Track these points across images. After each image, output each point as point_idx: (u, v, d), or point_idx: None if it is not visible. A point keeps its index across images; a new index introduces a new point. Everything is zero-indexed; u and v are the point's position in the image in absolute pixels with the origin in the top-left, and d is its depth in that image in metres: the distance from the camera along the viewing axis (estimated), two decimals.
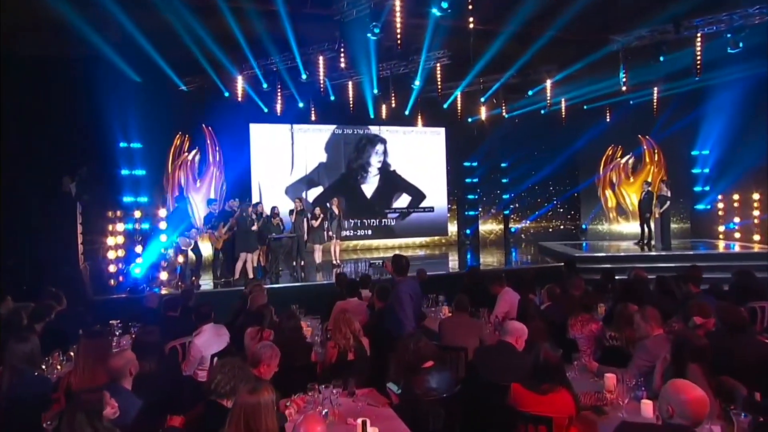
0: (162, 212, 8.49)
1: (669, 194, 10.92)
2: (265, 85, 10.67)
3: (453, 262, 12.23)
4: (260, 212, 9.53)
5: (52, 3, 6.86)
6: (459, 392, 3.34)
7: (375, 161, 14.08)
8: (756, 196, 11.75)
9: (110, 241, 7.97)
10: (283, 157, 13.06)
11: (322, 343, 4.54)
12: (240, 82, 10.49)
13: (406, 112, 13.09)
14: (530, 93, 12.05)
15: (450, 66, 10.80)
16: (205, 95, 10.77)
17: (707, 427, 2.51)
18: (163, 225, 8.39)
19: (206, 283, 8.89)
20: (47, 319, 4.54)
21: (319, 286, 8.36)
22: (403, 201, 14.28)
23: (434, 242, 14.66)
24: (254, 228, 8.50)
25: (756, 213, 11.76)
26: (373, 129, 13.99)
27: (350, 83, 11.55)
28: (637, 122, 13.70)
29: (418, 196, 14.42)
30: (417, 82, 11.11)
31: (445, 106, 12.80)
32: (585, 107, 13.18)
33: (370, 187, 14.03)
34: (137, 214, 8.47)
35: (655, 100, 12.46)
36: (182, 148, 11.45)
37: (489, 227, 15.27)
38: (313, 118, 12.62)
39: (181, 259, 8.57)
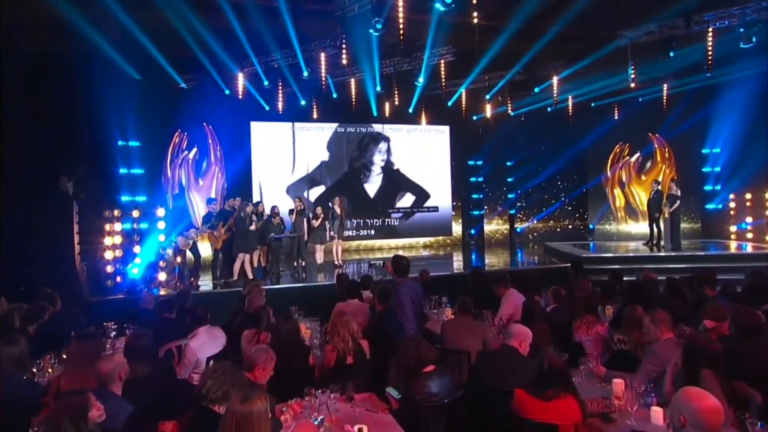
0: (160, 212, 8.45)
1: (679, 193, 10.80)
2: (266, 83, 10.62)
3: (457, 263, 12.15)
4: (261, 212, 9.50)
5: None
6: (461, 398, 3.27)
7: (378, 160, 14.01)
8: None
9: (107, 241, 7.94)
10: (285, 156, 13.02)
11: (321, 346, 4.48)
12: (240, 80, 10.45)
13: (410, 110, 13.00)
14: (536, 90, 11.91)
15: (454, 63, 10.71)
16: (205, 93, 10.73)
17: None
18: (161, 225, 8.35)
19: (205, 283, 8.86)
20: (40, 320, 4.50)
21: (321, 287, 8.31)
22: (406, 200, 14.21)
23: (438, 242, 14.58)
24: (252, 228, 8.44)
25: None
26: (376, 127, 13.92)
27: (353, 80, 11.48)
28: (646, 120, 13.56)
29: (422, 195, 14.34)
30: (421, 80, 11.05)
31: (450, 103, 12.71)
32: (592, 104, 13.08)
33: (373, 186, 13.96)
34: (135, 213, 8.44)
35: (664, 97, 12.34)
36: (181, 146, 11.42)
37: (494, 227, 15.18)
38: (315, 115, 12.56)
39: (179, 259, 8.53)
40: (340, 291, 6.04)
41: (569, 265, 8.00)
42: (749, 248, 11.38)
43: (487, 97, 12.40)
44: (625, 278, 6.45)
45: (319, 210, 10.07)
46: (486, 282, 6.02)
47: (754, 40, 8.62)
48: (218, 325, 4.93)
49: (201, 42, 9.00)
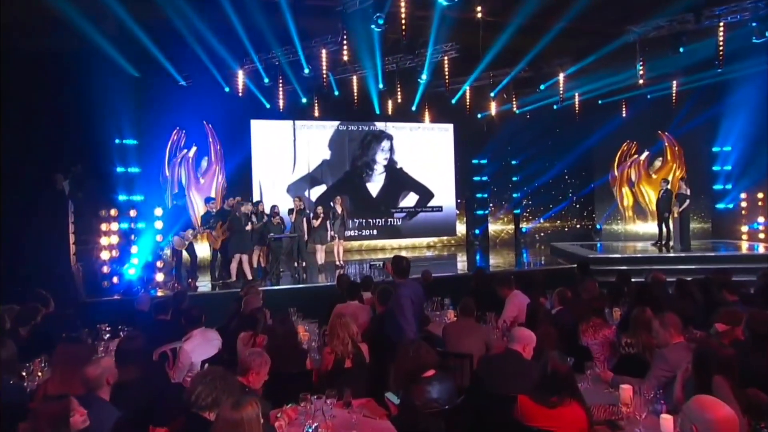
0: (158, 211, 8.41)
1: (689, 192, 10.69)
2: (266, 80, 10.60)
3: (461, 264, 12.06)
4: (260, 211, 9.45)
5: None
6: (462, 404, 3.19)
7: (381, 158, 13.95)
8: None
9: (104, 240, 7.91)
10: (285, 155, 12.97)
11: (319, 348, 4.41)
12: (240, 77, 10.42)
13: (413, 108, 12.96)
14: (542, 87, 11.86)
15: (458, 59, 10.66)
16: (205, 90, 10.69)
17: None
18: (159, 224, 8.31)
19: (204, 284, 8.82)
20: (33, 322, 4.46)
21: (320, 287, 8.25)
22: (410, 200, 14.14)
23: (442, 243, 14.50)
24: (248, 228, 8.39)
25: None
26: (379, 125, 13.85)
27: (354, 78, 11.44)
28: (655, 117, 13.44)
29: (425, 194, 14.26)
30: (424, 77, 10.99)
31: (454, 101, 12.65)
32: (600, 102, 12.98)
33: (375, 185, 13.90)
34: (132, 213, 8.41)
35: (673, 94, 12.23)
36: (179, 143, 11.38)
37: (499, 227, 15.09)
38: (316, 113, 12.52)
39: (175, 259, 8.49)
40: (340, 292, 5.97)
41: (575, 266, 7.91)
42: (761, 249, 11.23)
43: (492, 94, 12.32)
44: (633, 279, 6.38)
45: (319, 209, 10.01)
46: (489, 283, 5.94)
47: (766, 35, 8.49)
48: (216, 327, 4.90)
49: (200, 38, 8.98)
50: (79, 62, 8.45)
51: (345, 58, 9.23)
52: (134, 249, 8.31)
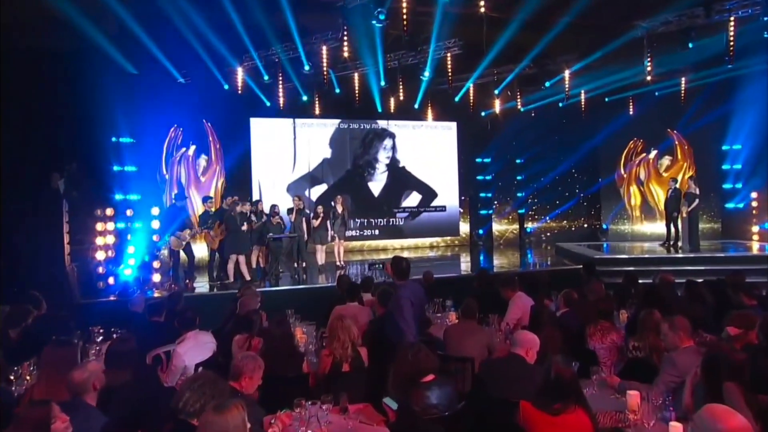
0: (155, 210, 8.37)
1: (698, 191, 10.58)
2: (266, 77, 10.55)
3: (465, 264, 11.99)
4: (260, 211, 9.40)
5: None
6: (462, 409, 3.12)
7: (383, 157, 13.88)
8: None
9: (99, 240, 7.87)
10: (285, 153, 12.92)
11: (317, 351, 4.35)
12: (240, 74, 10.37)
13: (416, 106, 12.90)
14: (547, 84, 11.74)
15: (461, 56, 10.59)
16: (203, 88, 10.65)
17: None
18: (155, 224, 8.27)
19: (201, 285, 8.77)
20: (23, 324, 4.41)
21: (319, 288, 8.20)
22: (412, 199, 14.07)
23: (445, 243, 14.43)
24: (245, 228, 8.34)
25: None
26: (381, 123, 13.79)
27: (356, 75, 11.38)
28: (663, 115, 13.32)
29: (428, 194, 14.19)
30: (426, 74, 10.91)
31: (457, 99, 12.56)
32: (606, 99, 12.86)
33: (377, 184, 13.84)
34: (128, 212, 8.37)
35: (682, 91, 12.09)
36: (176, 141, 11.33)
37: (503, 227, 15.00)
38: (317, 111, 12.47)
39: (172, 260, 8.45)
40: (340, 293, 5.91)
41: (581, 266, 7.83)
42: None
43: (496, 91, 12.25)
44: (640, 281, 6.32)
45: (319, 209, 9.96)
46: (493, 284, 5.87)
47: None
48: (212, 329, 4.84)
49: (199, 35, 8.93)
50: (75, 59, 8.44)
51: (346, 54, 9.17)
52: (131, 249, 8.26)
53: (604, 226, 14.41)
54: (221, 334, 4.62)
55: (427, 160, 14.14)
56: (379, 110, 12.79)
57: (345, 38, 8.92)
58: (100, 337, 4.61)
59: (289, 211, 10.00)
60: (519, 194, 14.90)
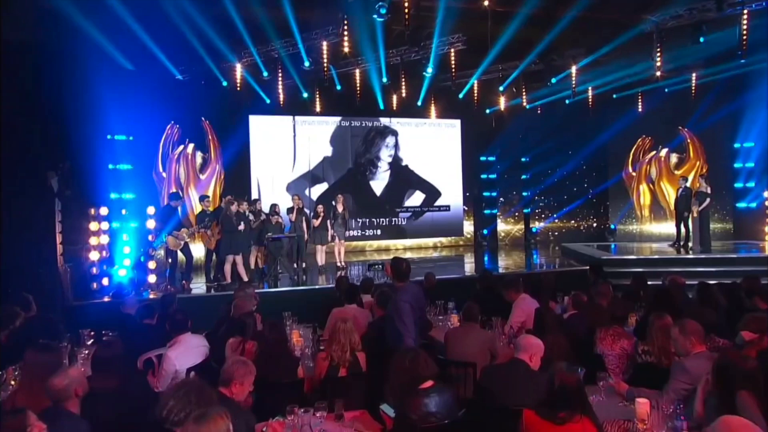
0: (151, 210, 8.31)
1: (709, 190, 10.45)
2: (265, 74, 10.51)
3: (468, 265, 11.89)
4: (258, 210, 9.34)
5: None
6: (463, 418, 3.03)
7: (385, 155, 13.80)
8: None
9: (93, 240, 7.82)
10: (285, 151, 12.85)
11: (313, 356, 4.26)
12: (239, 70, 10.32)
13: (419, 103, 12.83)
14: (553, 81, 11.66)
15: (465, 52, 10.53)
16: (202, 85, 10.60)
17: None
18: (151, 224, 8.21)
19: (198, 286, 8.72)
20: (11, 327, 4.34)
21: (318, 290, 8.12)
22: (416, 199, 13.98)
23: (449, 243, 14.33)
24: (241, 228, 8.27)
25: None
26: (383, 120, 13.72)
27: (357, 71, 11.32)
28: (673, 112, 13.20)
29: (432, 193, 14.10)
30: (429, 70, 10.87)
31: (461, 95, 12.50)
32: (614, 96, 12.78)
33: (379, 183, 13.76)
34: (123, 211, 8.31)
35: (693, 87, 11.99)
36: (173, 138, 11.27)
37: (508, 227, 14.89)
38: (317, 108, 12.40)
39: (170, 260, 8.39)
40: (339, 295, 5.84)
41: (588, 268, 7.73)
42: None
43: (501, 88, 12.16)
44: (649, 283, 6.23)
45: (319, 208, 9.89)
46: (496, 286, 5.78)
47: None
48: (205, 332, 4.77)
49: (197, 30, 8.87)
50: (72, 55, 8.37)
51: (346, 49, 9.09)
52: (126, 249, 8.21)
53: (612, 226, 14.29)
54: (215, 337, 4.55)
55: (430, 159, 14.05)
56: (381, 107, 12.72)
57: (345, 33, 8.85)
58: (90, 341, 4.54)
59: (289, 210, 9.93)
60: (524, 193, 14.80)
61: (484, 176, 14.64)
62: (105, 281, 7.89)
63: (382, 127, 13.76)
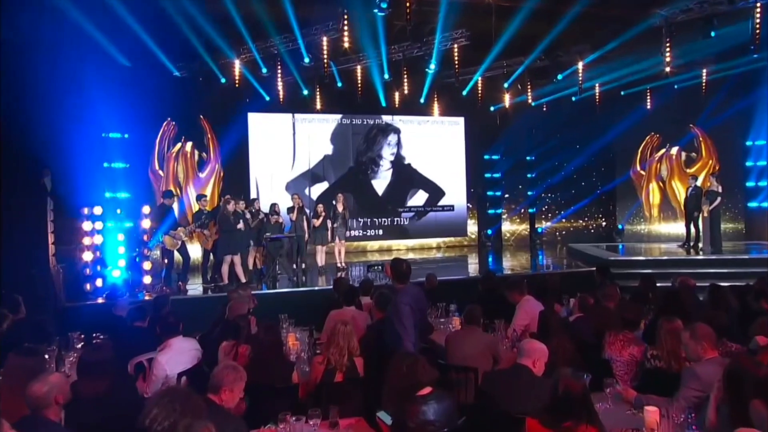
0: (145, 209, 8.26)
1: (720, 189, 10.33)
2: (264, 70, 10.45)
3: (472, 266, 11.81)
4: (257, 209, 9.27)
5: None
6: (463, 426, 2.95)
7: (387, 153, 13.72)
8: None
9: (86, 240, 7.77)
10: (284, 150, 12.78)
11: (309, 360, 4.19)
12: (237, 67, 10.26)
13: (421, 100, 12.75)
14: (559, 77, 11.56)
15: (469, 48, 10.47)
16: (200, 82, 10.54)
17: None
18: (146, 223, 8.16)
19: (195, 287, 8.66)
20: None
21: (316, 292, 8.05)
22: (419, 198, 13.89)
23: (452, 243, 14.24)
24: (240, 226, 8.21)
25: None
26: (385, 118, 13.65)
27: (358, 68, 11.24)
28: (683, 109, 13.08)
29: (435, 192, 14.02)
30: (432, 66, 10.78)
31: (464, 92, 12.43)
32: (622, 93, 12.70)
33: (381, 182, 13.68)
34: (119, 211, 8.26)
35: (703, 83, 11.87)
36: (169, 135, 11.21)
37: (513, 227, 14.79)
38: (318, 106, 12.32)
39: (166, 261, 8.33)
40: (337, 296, 5.76)
41: (594, 269, 7.63)
42: None
43: (506, 85, 12.10)
44: (658, 284, 6.13)
45: (319, 208, 9.82)
46: (499, 288, 5.69)
47: None
48: (199, 334, 4.71)
49: (194, 26, 8.83)
50: (67, 51, 8.32)
51: (346, 44, 9.02)
52: (120, 250, 8.16)
53: (620, 226, 14.17)
54: (209, 339, 4.48)
55: (433, 157, 13.96)
56: (383, 105, 12.64)
57: (345, 28, 8.78)
58: (80, 344, 4.48)
59: (290, 210, 9.87)
60: (529, 192, 14.69)
61: (488, 175, 14.56)
62: (99, 282, 7.84)
63: (384, 124, 13.68)
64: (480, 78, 11.91)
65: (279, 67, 10.41)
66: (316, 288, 8.46)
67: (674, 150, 13.68)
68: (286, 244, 9.51)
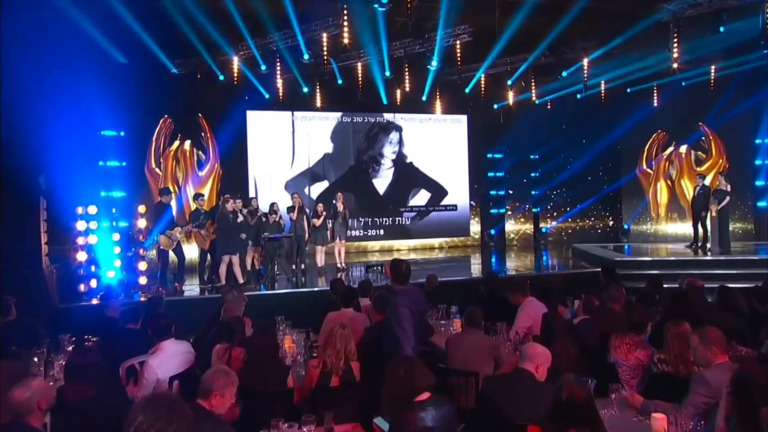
0: (141, 208, 8.21)
1: (729, 188, 10.23)
2: (263, 67, 10.42)
3: (475, 267, 11.74)
4: (255, 209, 9.23)
5: None
6: None
7: (389, 152, 13.67)
8: None
9: (81, 240, 7.73)
10: (283, 148, 12.73)
11: (305, 363, 4.12)
12: (236, 64, 10.22)
13: (423, 98, 12.73)
14: (564, 74, 11.53)
15: (471, 44, 10.44)
16: (198, 79, 10.51)
17: None
18: (142, 222, 8.12)
19: (191, 288, 8.61)
20: None
21: (314, 293, 7.98)
22: (421, 198, 13.83)
23: (455, 244, 14.18)
24: (240, 220, 8.16)
25: None
26: (387, 116, 13.60)
27: (359, 65, 11.20)
28: (691, 106, 12.99)
29: (438, 192, 13.96)
30: (434, 63, 10.76)
31: (467, 90, 12.40)
32: (628, 90, 12.66)
33: (383, 181, 13.63)
34: (113, 210, 8.22)
35: (712, 80, 11.78)
36: (166, 132, 11.16)
37: (516, 227, 14.72)
38: (318, 104, 12.28)
39: (161, 261, 8.29)
40: (335, 298, 5.70)
41: (600, 270, 7.55)
42: None
43: (509, 82, 12.07)
44: (665, 285, 6.03)
45: (319, 207, 9.76)
46: (501, 289, 5.61)
47: None
48: (194, 337, 4.65)
49: (192, 22, 8.79)
50: (59, 46, 8.27)
51: (346, 41, 8.96)
52: (116, 249, 8.11)
53: (626, 226, 14.09)
54: (202, 342, 4.42)
55: (435, 156, 13.91)
56: (385, 102, 12.61)
57: (345, 24, 8.73)
58: (71, 346, 4.42)
59: (290, 209, 9.81)
60: (533, 192, 14.64)
61: (491, 174, 14.50)
62: (93, 283, 7.79)
63: (385, 122, 13.62)
64: (483, 75, 11.88)
65: (278, 64, 10.38)
66: (315, 289, 8.39)
67: (683, 148, 13.57)
68: (286, 244, 9.46)
